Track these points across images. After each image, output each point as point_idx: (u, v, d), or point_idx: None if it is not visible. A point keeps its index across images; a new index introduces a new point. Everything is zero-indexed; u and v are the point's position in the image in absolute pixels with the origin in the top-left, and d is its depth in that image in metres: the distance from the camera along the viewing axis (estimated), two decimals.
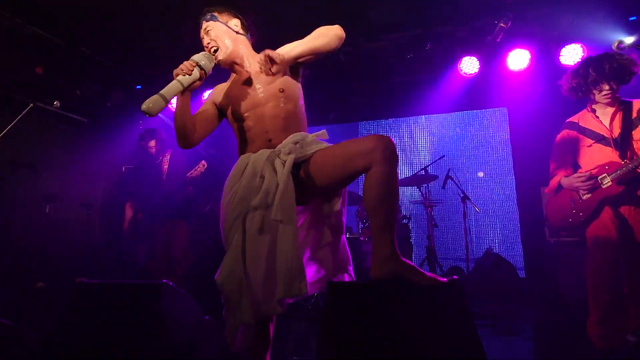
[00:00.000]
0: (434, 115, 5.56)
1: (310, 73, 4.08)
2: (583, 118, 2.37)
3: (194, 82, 1.52)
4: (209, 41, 1.68)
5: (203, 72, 1.54)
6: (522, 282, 4.05)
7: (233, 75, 1.77)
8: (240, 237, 1.47)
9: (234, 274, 1.43)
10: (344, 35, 1.63)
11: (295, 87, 1.69)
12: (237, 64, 1.73)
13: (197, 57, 1.55)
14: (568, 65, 3.46)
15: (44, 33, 3.65)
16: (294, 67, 1.68)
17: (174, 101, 1.71)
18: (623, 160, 2.18)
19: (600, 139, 2.27)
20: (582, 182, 2.23)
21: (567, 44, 3.52)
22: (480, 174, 5.49)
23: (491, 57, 3.93)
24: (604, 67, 2.12)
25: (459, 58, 3.92)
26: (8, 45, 3.52)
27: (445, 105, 4.98)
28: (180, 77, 1.48)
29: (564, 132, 2.44)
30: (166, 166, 3.44)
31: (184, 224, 3.49)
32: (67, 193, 4.04)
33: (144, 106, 1.37)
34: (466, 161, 5.51)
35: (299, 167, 1.51)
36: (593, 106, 2.34)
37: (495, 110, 5.37)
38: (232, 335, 1.46)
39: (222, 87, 1.77)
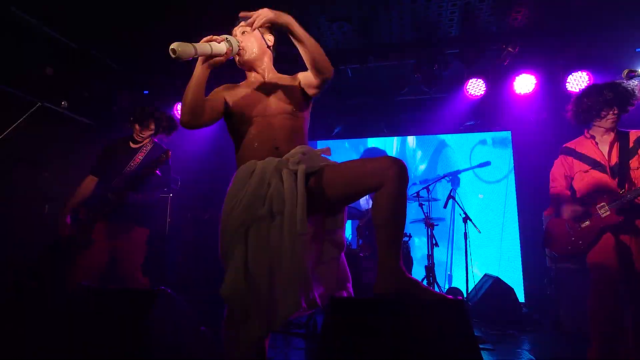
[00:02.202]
0: (438, 135, 5.59)
1: None
2: (580, 144, 2.41)
3: (220, 54, 1.49)
4: (241, 41, 1.68)
5: (230, 49, 1.53)
6: (522, 306, 4.00)
7: (247, 80, 1.79)
8: (243, 248, 1.43)
9: (238, 286, 1.39)
10: (331, 75, 1.61)
11: (306, 109, 1.74)
12: (256, 71, 1.76)
13: (229, 37, 1.54)
14: (573, 92, 3.50)
15: (56, 34, 3.70)
16: (307, 96, 1.72)
17: None
18: (621, 188, 2.20)
19: (596, 165, 2.31)
20: (573, 216, 2.29)
21: (573, 72, 3.55)
22: (480, 196, 5.48)
23: (498, 80, 3.97)
24: (615, 92, 2.21)
25: (466, 79, 3.96)
26: (20, 44, 3.55)
27: (450, 126, 5.01)
28: (210, 43, 1.46)
29: (561, 158, 2.49)
30: (141, 157, 2.78)
31: (142, 231, 2.78)
32: (68, 194, 3.98)
33: (174, 44, 1.33)
34: (469, 182, 5.51)
35: (308, 178, 1.51)
36: (591, 132, 2.38)
37: (499, 133, 5.41)
38: (239, 351, 1.41)
39: (233, 87, 1.76)
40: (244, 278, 1.40)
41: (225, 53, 1.51)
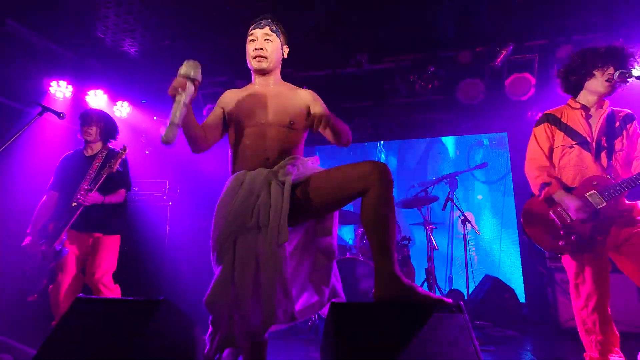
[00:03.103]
0: (435, 137, 5.61)
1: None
2: (566, 114, 2.13)
3: (192, 95, 1.49)
4: (262, 48, 1.70)
5: (197, 82, 1.51)
6: (523, 307, 4.00)
7: (252, 86, 1.80)
8: (230, 258, 1.44)
9: (223, 295, 1.40)
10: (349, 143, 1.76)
11: (303, 123, 1.74)
12: (265, 79, 1.77)
13: (184, 70, 1.49)
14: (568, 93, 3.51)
15: (55, 46, 3.72)
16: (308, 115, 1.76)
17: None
18: (607, 172, 1.98)
19: (582, 141, 2.05)
20: (580, 213, 1.95)
21: None
22: (479, 197, 5.50)
23: (493, 82, 3.99)
24: (611, 49, 1.98)
25: (462, 82, 3.98)
26: (20, 55, 3.59)
27: (447, 128, 5.03)
28: (177, 98, 1.45)
29: (545, 127, 2.18)
30: (98, 164, 2.75)
31: (112, 239, 2.78)
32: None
33: (163, 138, 1.40)
34: (467, 184, 5.53)
35: (295, 187, 1.52)
36: (581, 101, 2.12)
37: (495, 135, 5.43)
38: (214, 356, 1.43)
39: (234, 93, 1.79)
40: (230, 288, 1.41)
41: (195, 88, 1.49)
